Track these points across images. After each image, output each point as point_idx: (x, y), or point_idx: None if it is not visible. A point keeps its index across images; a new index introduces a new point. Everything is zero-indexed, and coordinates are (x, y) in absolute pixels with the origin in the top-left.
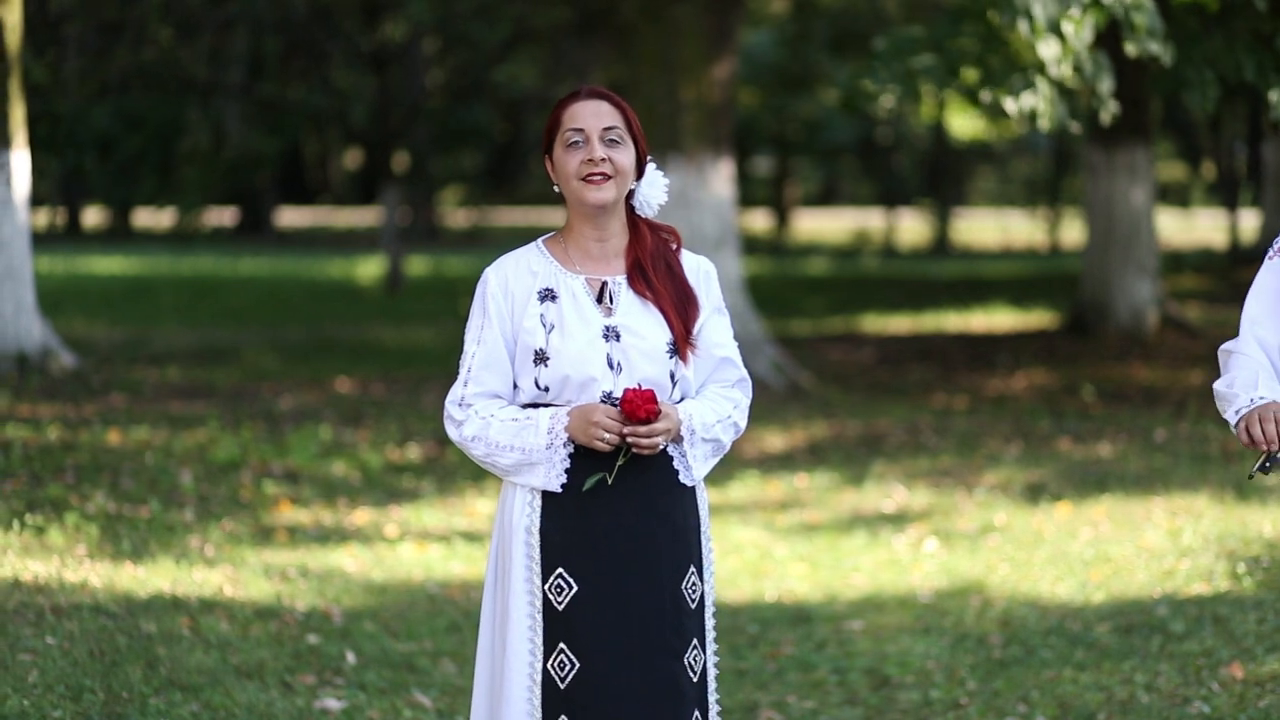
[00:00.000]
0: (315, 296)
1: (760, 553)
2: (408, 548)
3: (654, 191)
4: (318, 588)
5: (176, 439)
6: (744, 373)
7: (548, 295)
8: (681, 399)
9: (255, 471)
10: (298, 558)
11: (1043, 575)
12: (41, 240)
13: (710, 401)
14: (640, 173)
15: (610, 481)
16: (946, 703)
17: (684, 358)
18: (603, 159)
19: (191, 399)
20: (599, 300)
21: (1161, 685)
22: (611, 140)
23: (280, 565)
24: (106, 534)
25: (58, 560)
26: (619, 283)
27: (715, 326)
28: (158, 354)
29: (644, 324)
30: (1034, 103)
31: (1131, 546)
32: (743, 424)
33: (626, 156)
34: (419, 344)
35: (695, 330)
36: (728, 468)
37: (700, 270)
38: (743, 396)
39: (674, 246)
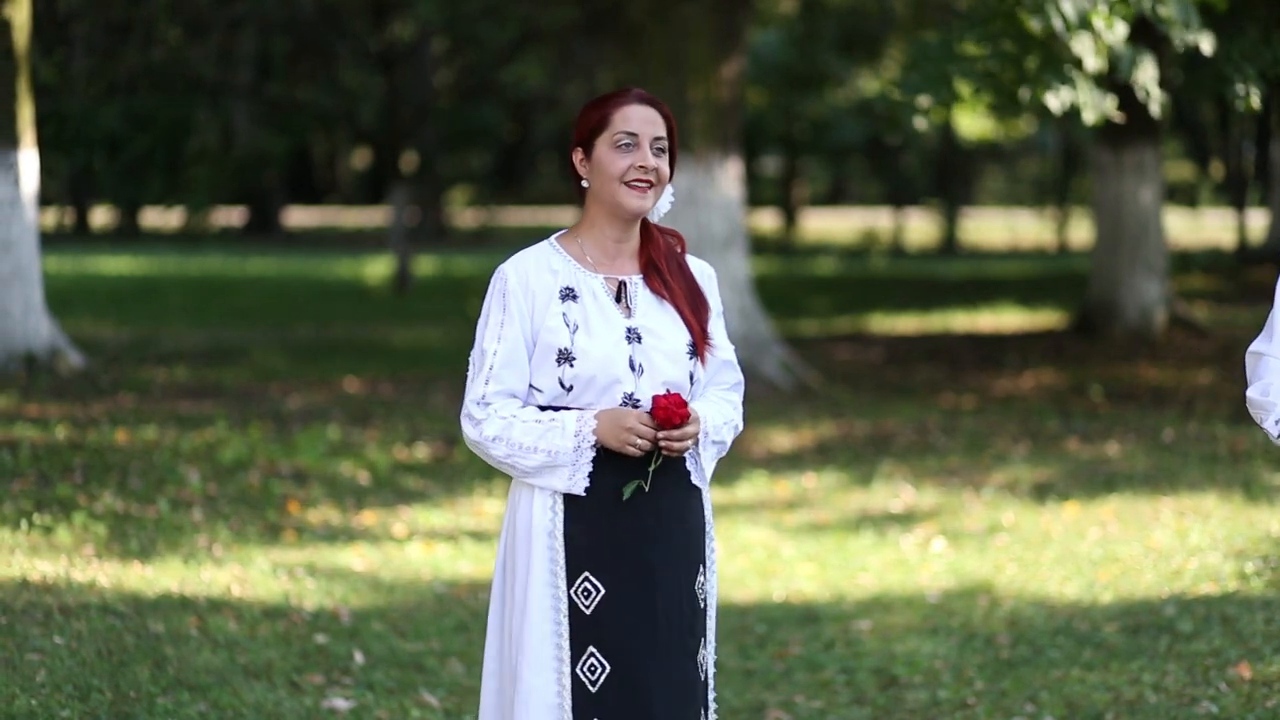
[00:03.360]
0: (323, 296)
1: (768, 552)
2: (415, 547)
3: (662, 202)
4: (326, 587)
5: (184, 439)
6: (740, 375)
7: (569, 294)
8: (691, 400)
9: (263, 471)
10: (306, 557)
11: (1050, 575)
12: (50, 240)
13: (715, 404)
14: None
15: (647, 488)
16: (954, 702)
17: (702, 358)
18: (654, 167)
19: (199, 399)
20: (617, 300)
21: (1169, 685)
22: (658, 150)
23: (288, 565)
24: (114, 534)
25: (65, 560)
26: (636, 282)
27: (716, 329)
28: (166, 354)
29: (663, 325)
30: (1074, 98)
31: (1139, 546)
32: (741, 425)
33: (667, 167)
34: (427, 344)
35: (710, 330)
36: (736, 467)
37: (704, 274)
38: (739, 398)
39: (679, 250)
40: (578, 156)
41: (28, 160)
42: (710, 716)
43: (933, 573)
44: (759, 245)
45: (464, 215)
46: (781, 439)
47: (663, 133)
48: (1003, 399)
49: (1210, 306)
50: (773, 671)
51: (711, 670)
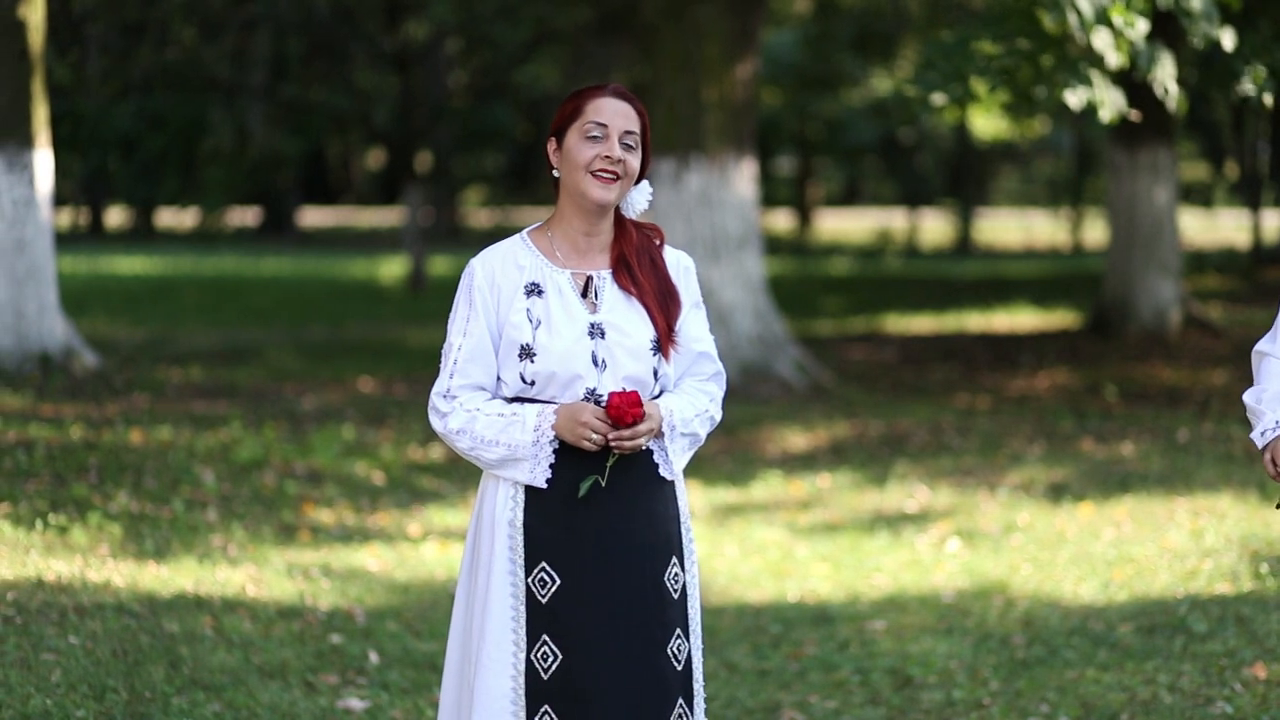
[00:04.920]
0: (338, 296)
1: (782, 553)
2: (430, 547)
3: (639, 197)
4: (340, 587)
5: (199, 439)
6: (719, 366)
7: (534, 290)
8: (660, 393)
9: (278, 471)
10: (320, 557)
11: (1065, 575)
12: (64, 240)
13: (688, 395)
14: (640, 178)
15: (604, 483)
16: (969, 703)
17: (666, 355)
18: (619, 159)
19: (214, 399)
20: (584, 295)
21: (1184, 685)
22: (627, 144)
23: (303, 565)
24: (129, 533)
25: (81, 560)
26: (604, 277)
27: (694, 321)
28: (180, 354)
29: (628, 321)
30: (1090, 96)
31: (1154, 546)
32: (718, 416)
33: (636, 162)
34: (441, 344)
35: (677, 327)
36: (750, 468)
37: (680, 265)
38: (718, 389)
39: (657, 243)
40: (551, 146)
41: (43, 160)
42: (698, 708)
43: (947, 573)
44: (773, 245)
45: (478, 215)
46: (796, 439)
47: (634, 128)
48: (1017, 399)
49: (1225, 306)
50: (787, 672)
51: (698, 662)
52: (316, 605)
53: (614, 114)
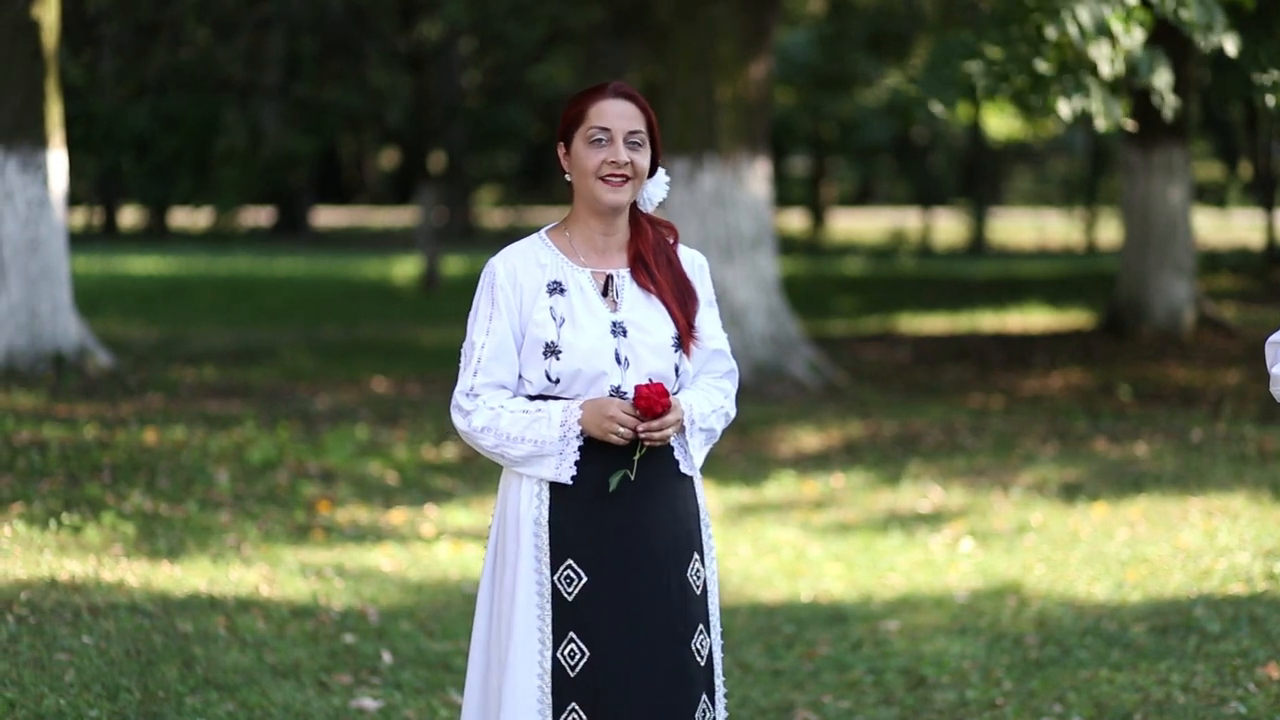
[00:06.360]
0: (351, 296)
1: (796, 552)
2: (444, 547)
3: (657, 190)
4: (354, 587)
5: (213, 439)
6: (733, 364)
7: (556, 288)
8: (679, 390)
9: (292, 471)
10: (334, 557)
11: (1079, 575)
12: (78, 240)
13: (704, 392)
14: (652, 173)
15: (633, 477)
16: (982, 703)
17: (688, 351)
18: (626, 162)
19: (228, 399)
20: (604, 294)
21: (1198, 685)
22: (634, 143)
23: (317, 565)
24: (143, 533)
25: (94, 559)
26: (623, 275)
27: (707, 319)
28: (194, 354)
29: (649, 319)
30: (1086, 104)
31: (1168, 546)
32: (733, 413)
33: (645, 159)
34: (455, 344)
35: (696, 323)
36: (764, 467)
37: (695, 264)
38: (732, 386)
39: (671, 241)
40: (560, 151)
41: (56, 160)
42: (719, 702)
43: (961, 573)
44: (787, 245)
45: (491, 215)
46: (809, 439)
47: (639, 126)
48: (1031, 399)
49: (1238, 306)
50: (800, 671)
51: (718, 656)
52: (330, 605)
53: (617, 116)
